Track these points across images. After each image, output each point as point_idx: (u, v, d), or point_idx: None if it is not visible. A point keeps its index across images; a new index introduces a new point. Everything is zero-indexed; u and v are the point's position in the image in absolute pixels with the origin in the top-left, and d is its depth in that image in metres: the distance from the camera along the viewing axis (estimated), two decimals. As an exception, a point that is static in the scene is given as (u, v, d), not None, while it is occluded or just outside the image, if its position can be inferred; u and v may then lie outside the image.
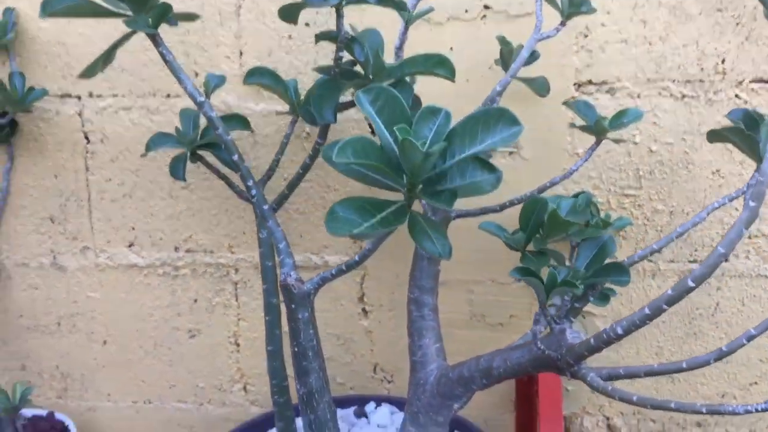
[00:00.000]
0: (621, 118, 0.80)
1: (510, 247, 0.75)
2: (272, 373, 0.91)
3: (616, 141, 0.86)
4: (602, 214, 0.95)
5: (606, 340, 0.68)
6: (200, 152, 0.88)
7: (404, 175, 0.64)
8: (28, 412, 1.10)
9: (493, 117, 0.64)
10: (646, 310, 0.63)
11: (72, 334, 1.14)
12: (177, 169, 0.85)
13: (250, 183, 0.80)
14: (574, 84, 0.95)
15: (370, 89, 0.65)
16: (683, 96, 0.94)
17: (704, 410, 0.63)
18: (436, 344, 0.88)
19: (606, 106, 0.95)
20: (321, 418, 0.79)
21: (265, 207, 0.81)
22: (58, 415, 1.09)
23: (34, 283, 1.12)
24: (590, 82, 0.95)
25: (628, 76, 0.94)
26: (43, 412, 1.09)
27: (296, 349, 0.78)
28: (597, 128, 0.80)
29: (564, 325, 0.75)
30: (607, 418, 1.06)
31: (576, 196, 0.92)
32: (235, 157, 0.79)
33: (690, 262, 0.99)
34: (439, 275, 0.90)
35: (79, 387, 1.16)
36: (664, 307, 0.63)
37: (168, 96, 1.02)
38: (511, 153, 0.99)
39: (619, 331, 0.66)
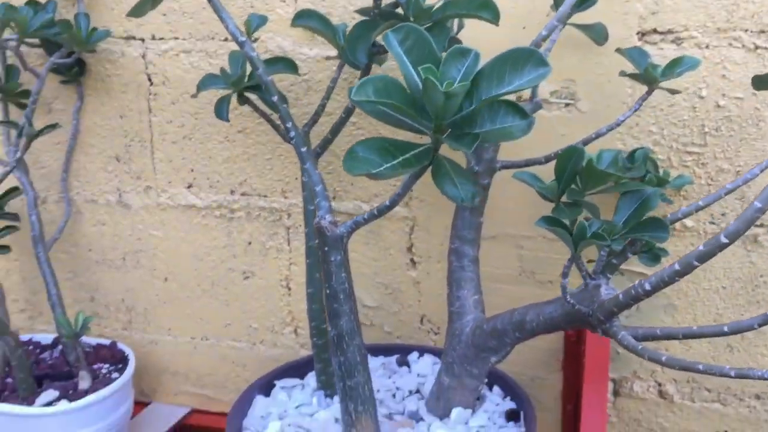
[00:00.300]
0: (675, 67, 0.75)
1: (544, 197, 0.73)
2: (311, 316, 0.92)
3: (672, 92, 0.81)
4: (661, 172, 0.90)
5: (635, 296, 0.65)
6: (247, 94, 0.89)
7: (431, 117, 0.63)
8: (92, 340, 1.16)
9: (522, 58, 0.61)
10: (676, 266, 0.60)
11: (136, 269, 1.19)
12: (221, 110, 0.86)
13: (289, 125, 0.81)
14: (638, 33, 0.90)
15: (399, 28, 0.64)
16: (756, 47, 0.87)
17: (733, 374, 0.59)
18: (475, 296, 0.87)
19: (671, 57, 0.89)
20: (350, 361, 0.79)
21: (303, 149, 0.81)
22: (120, 345, 1.15)
23: (102, 219, 1.18)
24: (655, 30, 0.90)
25: (697, 24, 0.88)
26: (107, 342, 1.15)
27: (328, 292, 0.79)
28: (647, 76, 0.76)
29: (599, 281, 0.73)
30: (659, 384, 1.02)
31: (633, 151, 0.88)
32: (275, 98, 0.79)
33: (756, 226, 0.94)
34: (481, 227, 0.88)
35: (142, 320, 1.21)
36: (695, 263, 0.59)
37: (226, 39, 1.03)
38: (567, 105, 0.95)
39: (647, 287, 0.63)
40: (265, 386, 0.96)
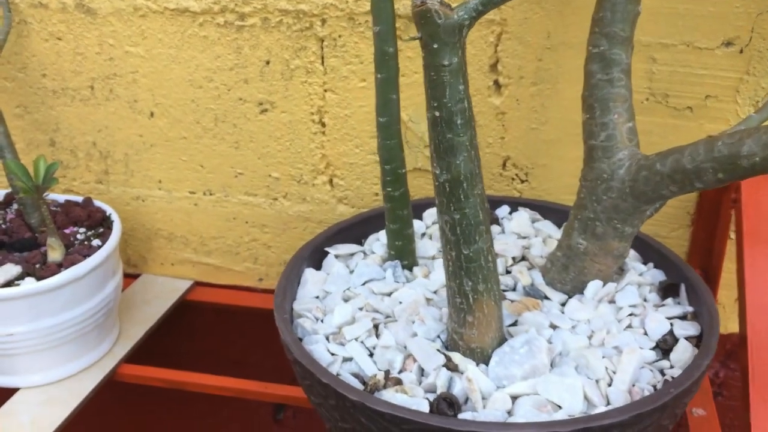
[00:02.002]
0: None
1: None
2: (385, 156, 0.64)
3: None
4: None
5: None
6: None
7: None
8: (59, 197, 0.87)
9: None
10: None
11: (109, 101, 0.88)
12: None
13: None
14: None
15: None
16: None
17: None
18: (629, 123, 0.60)
19: None
20: (470, 218, 0.53)
21: None
22: (98, 203, 0.86)
23: (56, 31, 0.85)
24: None
25: None
26: (79, 199, 0.87)
27: (437, 114, 0.51)
28: None
29: None
30: (818, 242, 0.79)
31: None
32: None
33: None
34: (637, 20, 0.60)
35: (123, 170, 0.92)
36: None
37: None
38: None
39: None
40: (314, 255, 0.70)
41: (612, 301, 0.63)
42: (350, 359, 0.58)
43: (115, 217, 0.83)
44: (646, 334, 0.60)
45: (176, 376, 0.81)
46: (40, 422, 0.74)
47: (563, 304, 0.62)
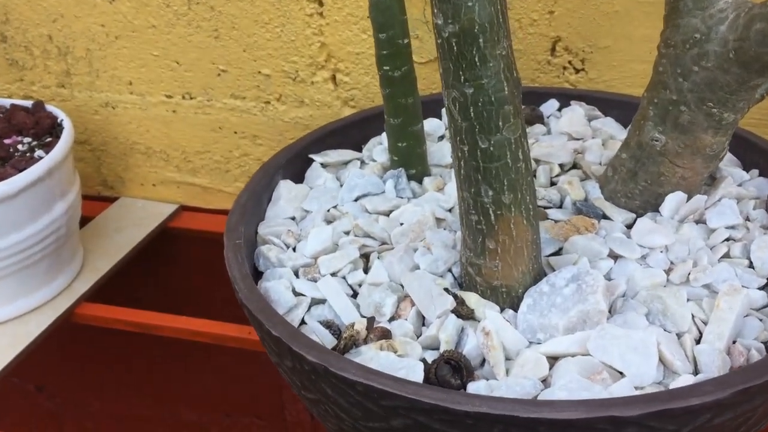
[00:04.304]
0: None
1: None
2: (379, 19, 0.46)
3: None
4: None
5: None
6: None
7: None
8: (6, 101, 0.72)
9: None
10: None
11: (61, -18, 0.72)
12: None
13: None
14: None
15: None
16: None
17: None
18: (735, -45, 0.41)
19: None
20: (489, 93, 0.35)
21: None
22: (50, 107, 0.71)
23: None
24: None
25: None
26: (28, 103, 0.71)
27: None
28: None
29: None
30: None
31: None
32: None
33: None
34: None
35: (87, 70, 0.76)
36: None
37: None
38: None
39: None
40: (294, 164, 0.53)
41: (701, 221, 0.44)
42: (323, 301, 0.41)
43: (66, 123, 0.67)
44: (751, 266, 0.41)
45: (141, 318, 0.66)
46: (-26, 372, 0.61)
47: (629, 226, 0.44)
